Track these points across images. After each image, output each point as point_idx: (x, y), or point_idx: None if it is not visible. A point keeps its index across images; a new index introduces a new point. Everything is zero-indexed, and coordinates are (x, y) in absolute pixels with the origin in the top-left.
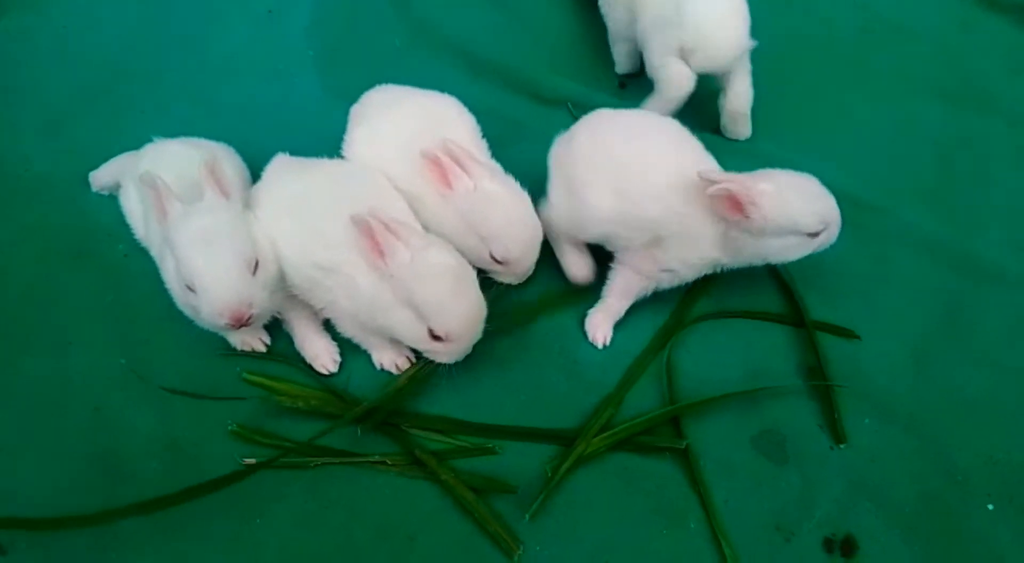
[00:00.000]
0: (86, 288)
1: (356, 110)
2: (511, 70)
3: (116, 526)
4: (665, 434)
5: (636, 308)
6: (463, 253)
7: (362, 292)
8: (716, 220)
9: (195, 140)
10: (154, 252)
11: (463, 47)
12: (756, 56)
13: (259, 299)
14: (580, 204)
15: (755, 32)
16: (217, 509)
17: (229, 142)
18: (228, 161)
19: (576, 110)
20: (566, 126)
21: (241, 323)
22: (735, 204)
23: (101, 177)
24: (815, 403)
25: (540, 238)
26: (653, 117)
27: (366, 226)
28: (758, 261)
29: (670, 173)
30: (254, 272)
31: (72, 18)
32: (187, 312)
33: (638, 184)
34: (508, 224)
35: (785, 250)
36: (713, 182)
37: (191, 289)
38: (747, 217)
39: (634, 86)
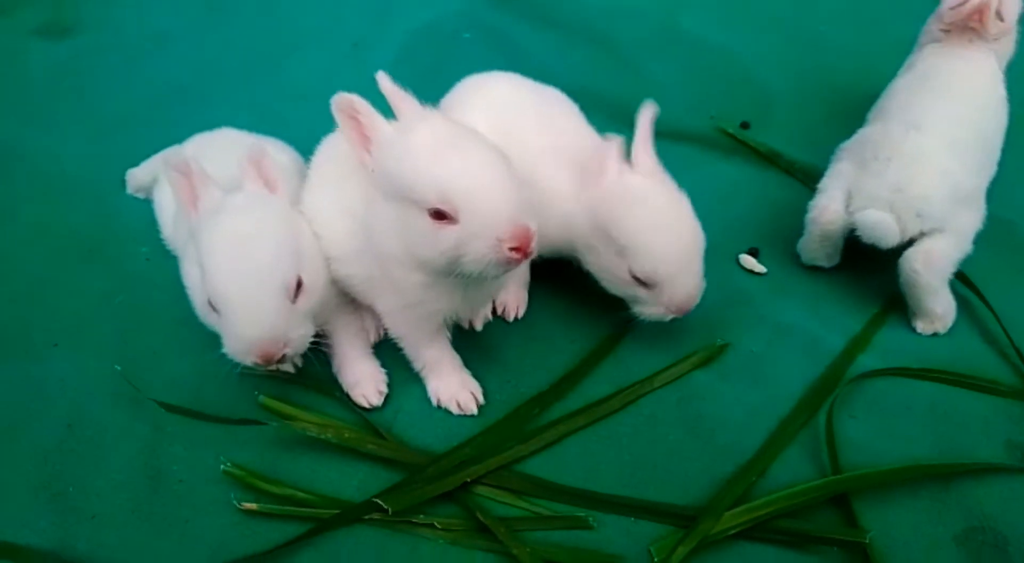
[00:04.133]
0: (92, 288)
1: (447, 100)
2: (618, 104)
3: None
4: (828, 521)
5: (781, 359)
6: (604, 281)
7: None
8: None
9: (246, 132)
10: (178, 251)
11: (567, 79)
12: None
13: (297, 336)
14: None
15: None
16: None
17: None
18: (283, 155)
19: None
20: (681, 159)
21: (271, 363)
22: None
23: (139, 175)
24: None
25: (700, 251)
26: None
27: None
28: None
29: None
30: (295, 297)
31: (147, 40)
32: (206, 322)
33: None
34: (655, 228)
35: None
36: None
37: (214, 309)
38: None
39: (756, 127)
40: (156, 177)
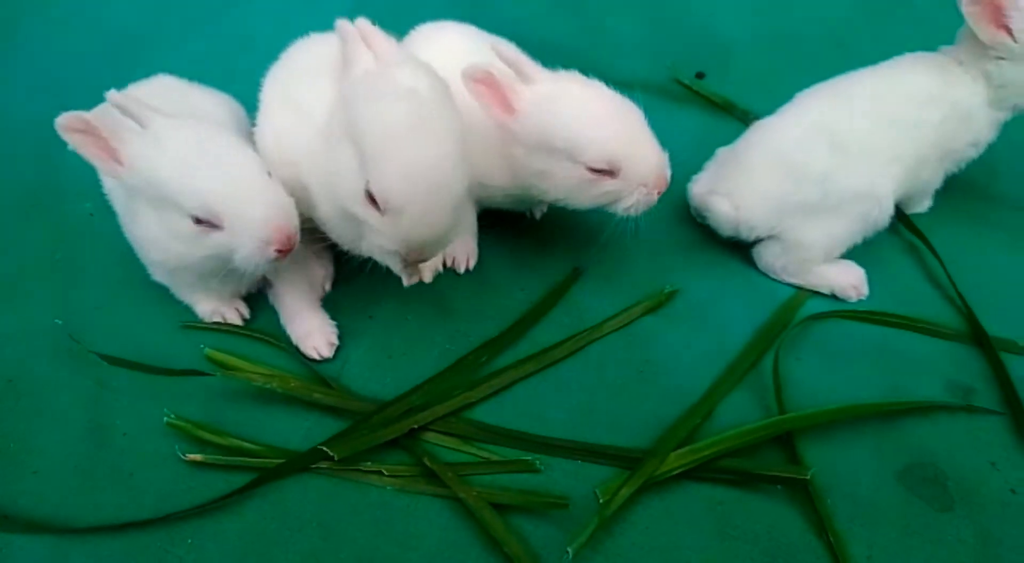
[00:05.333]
0: (34, 243)
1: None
2: (575, 55)
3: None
4: (774, 460)
5: (730, 304)
6: (568, 198)
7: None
8: None
9: (184, 80)
10: (118, 206)
11: (523, 30)
12: None
13: (290, 204)
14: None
15: None
16: (141, 521)
17: (246, 109)
18: (227, 110)
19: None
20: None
21: (289, 248)
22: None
23: None
24: (981, 433)
25: (642, 119)
26: None
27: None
28: None
29: None
30: None
31: None
32: (168, 276)
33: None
34: (588, 113)
35: None
36: None
37: (212, 223)
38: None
39: (712, 77)
40: None
